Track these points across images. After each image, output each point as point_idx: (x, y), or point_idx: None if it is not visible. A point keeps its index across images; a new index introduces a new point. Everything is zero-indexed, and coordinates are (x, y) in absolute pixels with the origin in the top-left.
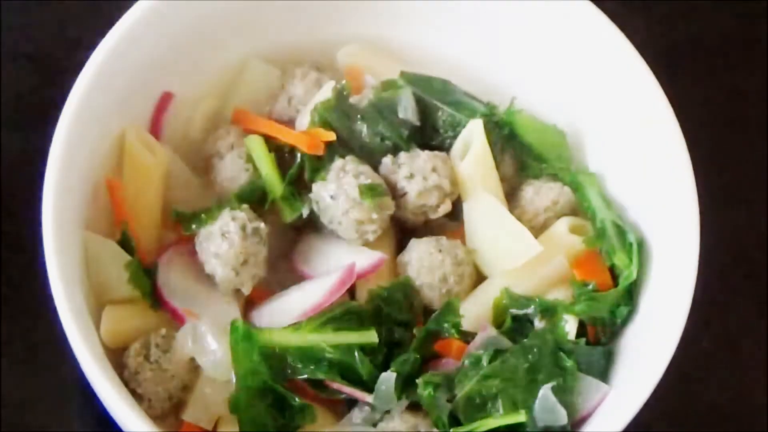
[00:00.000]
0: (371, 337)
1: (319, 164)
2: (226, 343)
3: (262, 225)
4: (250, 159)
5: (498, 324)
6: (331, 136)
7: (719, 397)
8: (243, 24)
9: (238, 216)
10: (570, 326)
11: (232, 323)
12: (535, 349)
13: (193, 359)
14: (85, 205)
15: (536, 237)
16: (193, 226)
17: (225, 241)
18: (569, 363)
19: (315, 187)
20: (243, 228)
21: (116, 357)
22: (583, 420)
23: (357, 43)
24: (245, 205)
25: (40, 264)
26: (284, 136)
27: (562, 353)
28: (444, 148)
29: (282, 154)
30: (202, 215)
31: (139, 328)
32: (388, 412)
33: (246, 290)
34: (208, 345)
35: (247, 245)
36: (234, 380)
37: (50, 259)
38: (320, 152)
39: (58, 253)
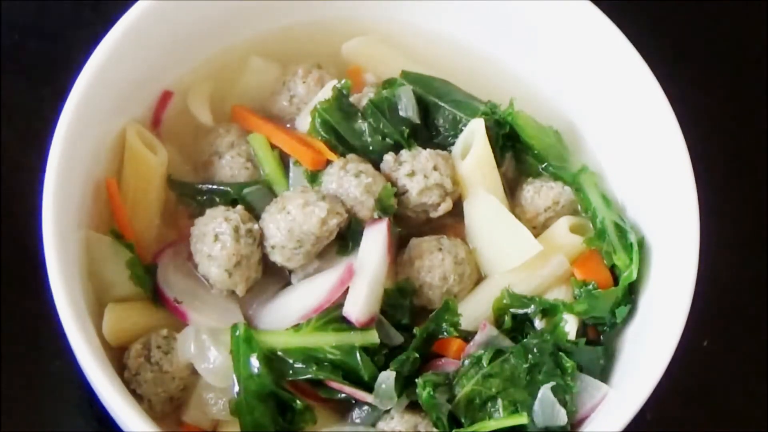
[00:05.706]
0: (372, 337)
1: None
2: (225, 350)
3: (256, 226)
4: (249, 157)
5: (498, 323)
6: (333, 157)
7: (719, 397)
8: (244, 19)
9: (231, 217)
10: (570, 326)
11: (232, 327)
12: (535, 349)
13: None
14: (85, 204)
15: (536, 236)
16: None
17: (218, 243)
18: (569, 363)
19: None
20: (236, 229)
21: (117, 357)
22: (583, 420)
23: (362, 37)
24: (239, 206)
25: (41, 264)
26: (287, 147)
27: (562, 353)
28: (445, 147)
29: (282, 150)
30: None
31: (142, 326)
32: (387, 411)
33: (240, 292)
34: (207, 352)
35: (240, 247)
36: (235, 383)
37: (50, 258)
38: (322, 167)
39: (58, 252)
